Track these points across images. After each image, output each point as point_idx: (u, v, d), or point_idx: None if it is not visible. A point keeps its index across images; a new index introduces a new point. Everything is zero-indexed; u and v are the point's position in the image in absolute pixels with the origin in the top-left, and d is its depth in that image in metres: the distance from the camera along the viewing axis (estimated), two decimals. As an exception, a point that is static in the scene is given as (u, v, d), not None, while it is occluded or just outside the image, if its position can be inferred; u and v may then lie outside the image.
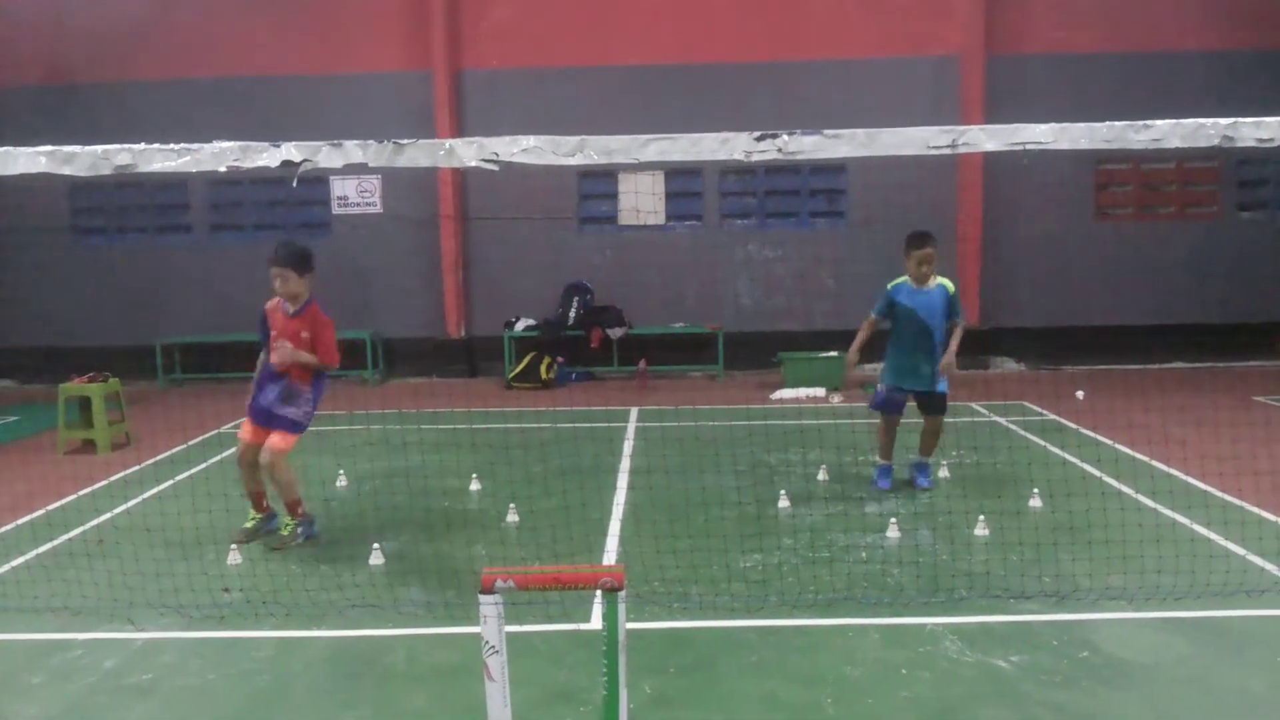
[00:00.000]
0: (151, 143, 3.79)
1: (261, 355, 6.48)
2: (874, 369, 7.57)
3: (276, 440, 6.21)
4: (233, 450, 9.23)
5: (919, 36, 14.02)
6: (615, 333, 13.98)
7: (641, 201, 14.18)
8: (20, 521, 7.01)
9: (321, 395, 6.47)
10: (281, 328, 6.28)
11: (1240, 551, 5.80)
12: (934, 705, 4.06)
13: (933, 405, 7.28)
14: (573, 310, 14.07)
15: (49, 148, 3.69)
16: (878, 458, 7.57)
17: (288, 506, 6.45)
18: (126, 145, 3.64)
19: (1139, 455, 8.19)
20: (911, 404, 7.44)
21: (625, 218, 14.52)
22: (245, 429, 6.40)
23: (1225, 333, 14.12)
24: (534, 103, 14.06)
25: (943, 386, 7.19)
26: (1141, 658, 4.47)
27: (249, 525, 6.56)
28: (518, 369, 13.53)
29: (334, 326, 6.38)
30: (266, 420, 6.29)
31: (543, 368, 13.46)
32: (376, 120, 13.63)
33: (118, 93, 14.15)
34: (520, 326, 14.16)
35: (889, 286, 7.25)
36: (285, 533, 6.46)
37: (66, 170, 3.66)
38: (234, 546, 6.09)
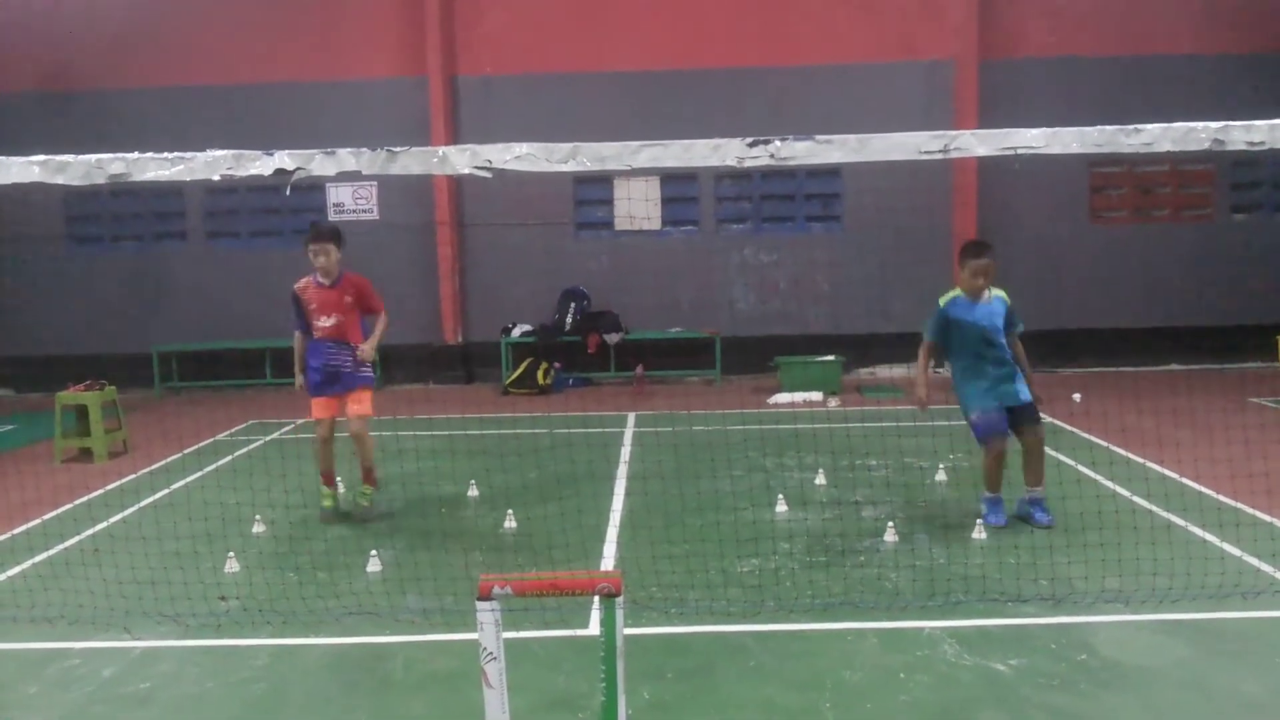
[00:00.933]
0: (146, 150, 3.80)
1: (299, 336, 7.09)
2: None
3: (360, 405, 6.94)
4: (229, 459, 9.29)
5: (912, 41, 14.07)
6: (612, 338, 13.99)
7: (637, 207, 14.21)
8: (16, 531, 7.00)
9: None
10: (322, 300, 6.94)
11: (1237, 553, 5.81)
12: (933, 709, 4.07)
13: (1025, 417, 6.45)
14: (569, 316, 14.08)
15: (42, 157, 3.69)
16: (985, 490, 6.67)
17: (365, 473, 7.14)
18: (120, 154, 3.65)
19: (1135, 457, 8.20)
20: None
21: (621, 223, 14.54)
22: (318, 407, 6.99)
23: (1221, 335, 14.17)
24: (529, 108, 14.09)
25: (1026, 395, 6.44)
26: (1139, 660, 4.47)
27: (328, 505, 7.14)
28: (515, 375, 13.54)
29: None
30: (341, 387, 6.92)
31: (540, 373, 13.47)
32: (372, 126, 13.67)
33: (111, 100, 14.18)
34: (517, 332, 14.17)
35: (941, 303, 6.48)
36: (367, 504, 7.12)
37: (60, 180, 3.66)
38: (231, 554, 6.08)
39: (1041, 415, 6.57)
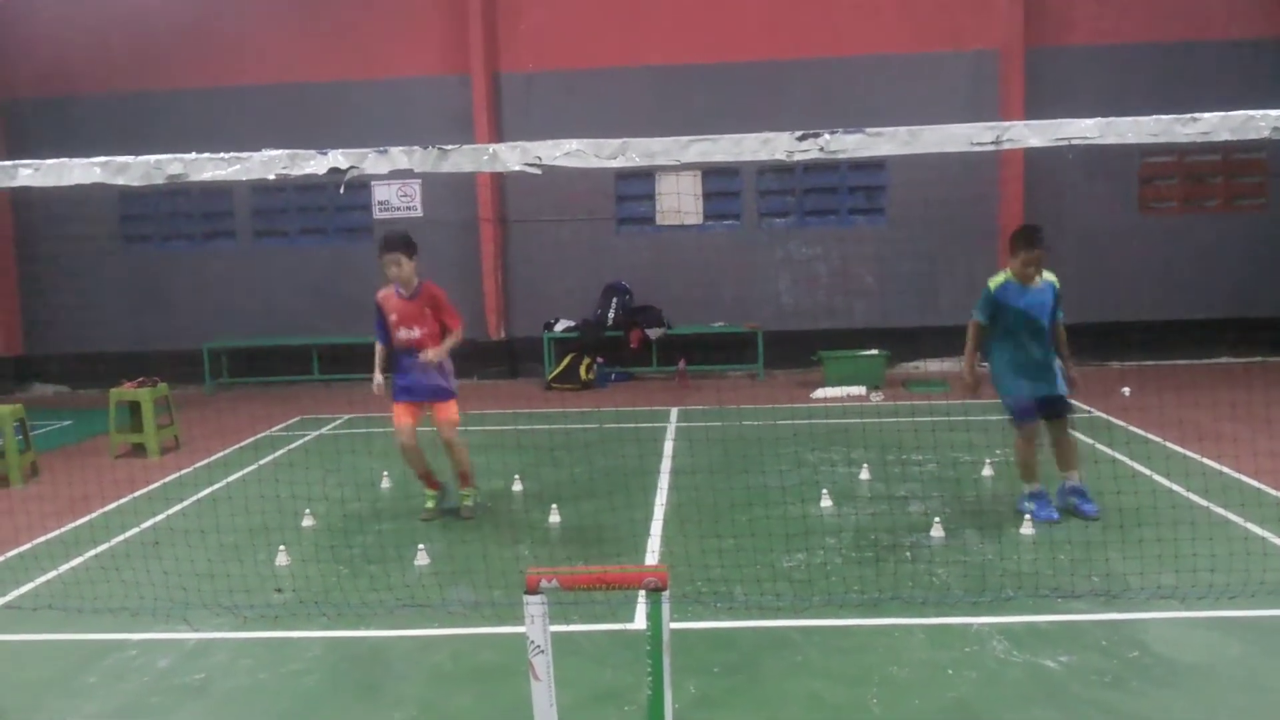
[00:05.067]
0: (192, 150, 3.86)
1: (379, 345, 6.92)
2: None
3: (448, 414, 6.86)
4: (283, 451, 9.44)
5: (957, 30, 13.90)
6: (654, 333, 13.99)
7: (680, 202, 14.19)
8: (79, 523, 7.17)
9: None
10: (402, 311, 6.73)
11: (1295, 550, 5.70)
12: (981, 706, 4.03)
13: (1054, 409, 6.49)
14: (612, 311, 14.10)
15: (103, 158, 3.76)
16: (1024, 484, 6.62)
17: (462, 477, 7.05)
18: (178, 155, 3.71)
19: (1189, 452, 8.05)
20: None
21: (663, 218, 14.53)
22: (400, 413, 6.81)
23: (1275, 326, 13.85)
24: (571, 104, 14.14)
25: (1060, 388, 6.45)
26: (1193, 658, 4.40)
27: (430, 505, 7.08)
28: (557, 370, 13.59)
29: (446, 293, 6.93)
30: (425, 395, 6.83)
31: (582, 368, 13.51)
32: (416, 124, 13.80)
33: (155, 101, 14.44)
34: (560, 327, 14.22)
35: (991, 285, 6.43)
36: (470, 503, 7.07)
37: (120, 180, 3.73)
38: (282, 547, 6.18)
39: (1075, 405, 6.59)
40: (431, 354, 6.66)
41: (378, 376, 6.88)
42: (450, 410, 6.88)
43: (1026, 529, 6.21)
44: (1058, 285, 6.47)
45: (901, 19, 13.93)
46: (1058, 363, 6.47)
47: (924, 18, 13.91)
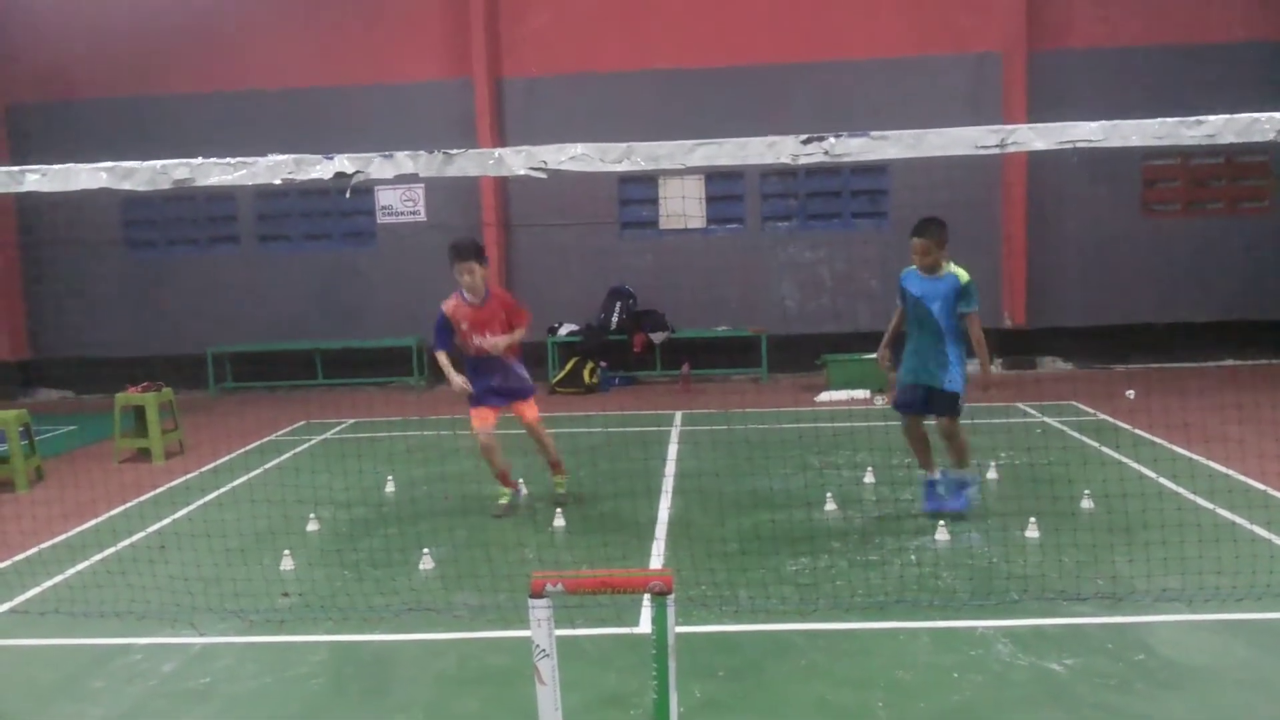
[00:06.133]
0: (195, 154, 3.87)
1: (441, 355, 7.00)
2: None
3: (534, 412, 7.13)
4: (288, 456, 9.46)
5: (959, 33, 13.91)
6: (658, 337, 14.00)
7: (683, 206, 14.20)
8: (84, 527, 7.19)
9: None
10: (474, 319, 6.91)
11: (1301, 552, 5.68)
12: (986, 709, 4.03)
13: (938, 404, 6.48)
14: (615, 315, 14.11)
15: (109, 163, 3.78)
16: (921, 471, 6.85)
17: (554, 465, 7.35)
18: (184, 160, 3.73)
19: (1193, 455, 8.03)
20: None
21: (667, 222, 14.54)
22: (480, 418, 6.98)
23: (1278, 329, 13.83)
24: (574, 108, 14.14)
25: (951, 385, 6.38)
26: (1199, 661, 4.39)
27: (504, 501, 7.25)
28: (561, 374, 13.59)
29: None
30: (509, 398, 7.05)
31: (586, 373, 13.51)
32: (418, 129, 13.81)
33: (158, 106, 14.48)
34: (563, 332, 14.23)
35: (902, 272, 6.64)
36: (565, 490, 7.37)
37: (126, 185, 3.75)
38: (286, 552, 6.18)
39: (960, 409, 6.49)
40: (503, 341, 6.86)
41: (458, 379, 6.94)
42: (534, 408, 7.14)
43: (1031, 532, 6.20)
44: (962, 281, 6.37)
45: (904, 22, 13.94)
46: (954, 358, 6.39)
47: (926, 21, 13.92)
